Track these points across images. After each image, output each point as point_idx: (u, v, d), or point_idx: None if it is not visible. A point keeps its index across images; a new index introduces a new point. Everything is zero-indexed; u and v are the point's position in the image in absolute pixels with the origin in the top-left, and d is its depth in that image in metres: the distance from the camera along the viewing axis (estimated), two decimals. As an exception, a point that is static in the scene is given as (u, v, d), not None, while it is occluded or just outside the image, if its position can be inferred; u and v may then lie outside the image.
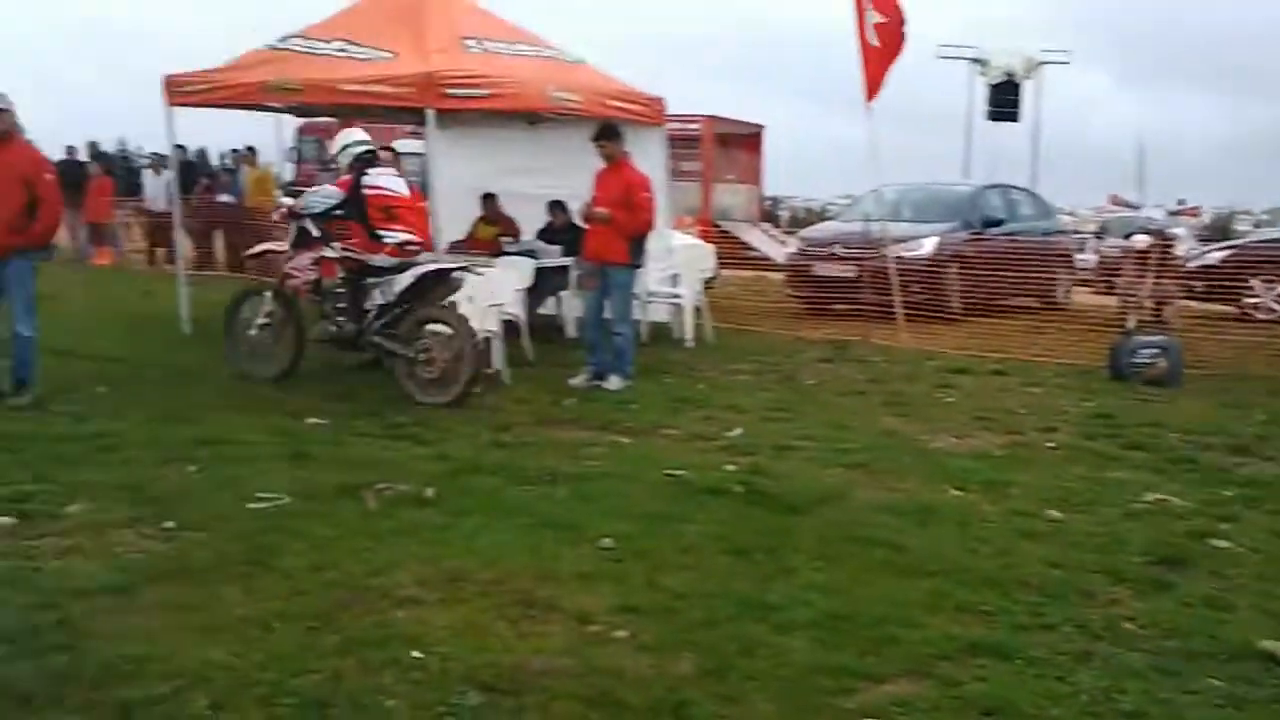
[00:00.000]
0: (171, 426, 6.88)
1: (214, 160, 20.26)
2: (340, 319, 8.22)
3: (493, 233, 10.95)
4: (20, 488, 5.53)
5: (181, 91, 9.90)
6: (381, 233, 8.08)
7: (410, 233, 8.23)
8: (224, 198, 16.47)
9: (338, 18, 10.23)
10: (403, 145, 12.79)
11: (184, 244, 12.42)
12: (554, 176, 10.91)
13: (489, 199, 11.18)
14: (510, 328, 9.26)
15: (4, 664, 3.54)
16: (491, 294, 8.81)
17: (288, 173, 25.49)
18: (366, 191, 8.11)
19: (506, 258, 10.18)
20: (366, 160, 8.29)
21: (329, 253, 8.25)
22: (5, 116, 7.33)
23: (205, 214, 16.24)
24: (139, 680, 3.47)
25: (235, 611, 4.02)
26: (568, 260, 10.38)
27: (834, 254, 13.72)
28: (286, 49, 9.89)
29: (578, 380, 8.72)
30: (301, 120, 23.67)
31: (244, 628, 3.88)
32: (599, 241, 8.64)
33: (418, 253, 8.21)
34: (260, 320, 8.46)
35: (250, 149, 17.29)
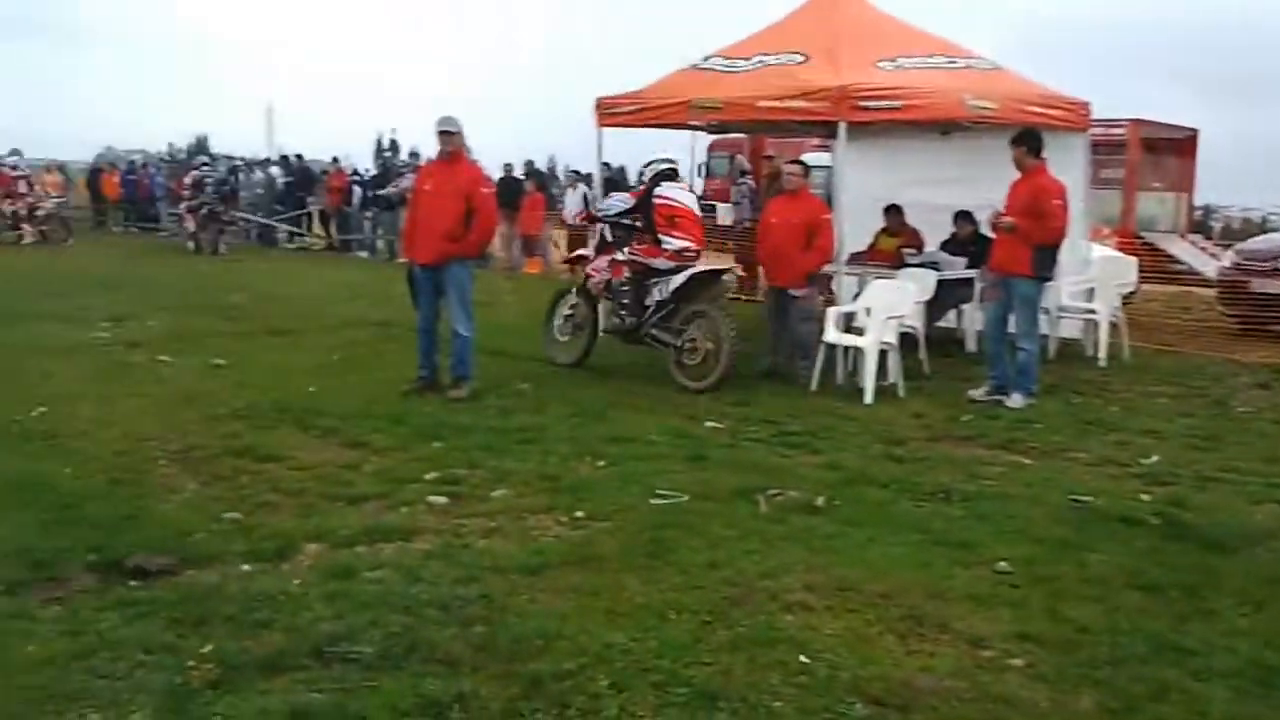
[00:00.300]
0: (585, 423, 7.37)
1: (631, 178, 21.43)
2: (624, 314, 9.22)
3: (894, 244, 10.79)
4: (454, 471, 6.14)
5: (611, 113, 10.54)
6: (664, 238, 8.89)
7: (688, 240, 8.91)
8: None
9: (754, 38, 10.54)
10: (811, 158, 12.92)
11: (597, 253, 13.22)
12: (962, 187, 10.59)
13: (893, 211, 11.03)
14: (908, 340, 9.09)
15: (436, 629, 3.93)
16: (890, 306, 8.70)
17: (698, 188, 26.58)
18: (656, 200, 9.02)
19: (908, 269, 10.02)
20: (665, 175, 9.25)
21: (619, 256, 9.21)
22: (454, 138, 8.22)
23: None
24: (548, 655, 3.74)
25: (635, 599, 4.24)
26: (971, 272, 10.05)
27: (1276, 269, 12.31)
28: (708, 69, 10.30)
29: (977, 395, 8.40)
30: (713, 137, 24.65)
31: (642, 615, 4.08)
32: (1004, 251, 8.28)
33: (694, 258, 8.94)
34: (565, 313, 9.74)
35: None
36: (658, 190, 9.10)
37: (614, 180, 18.03)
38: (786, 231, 8.94)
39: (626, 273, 9.14)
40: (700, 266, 8.90)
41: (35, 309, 12.30)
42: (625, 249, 9.23)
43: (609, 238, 9.48)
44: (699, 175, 29.12)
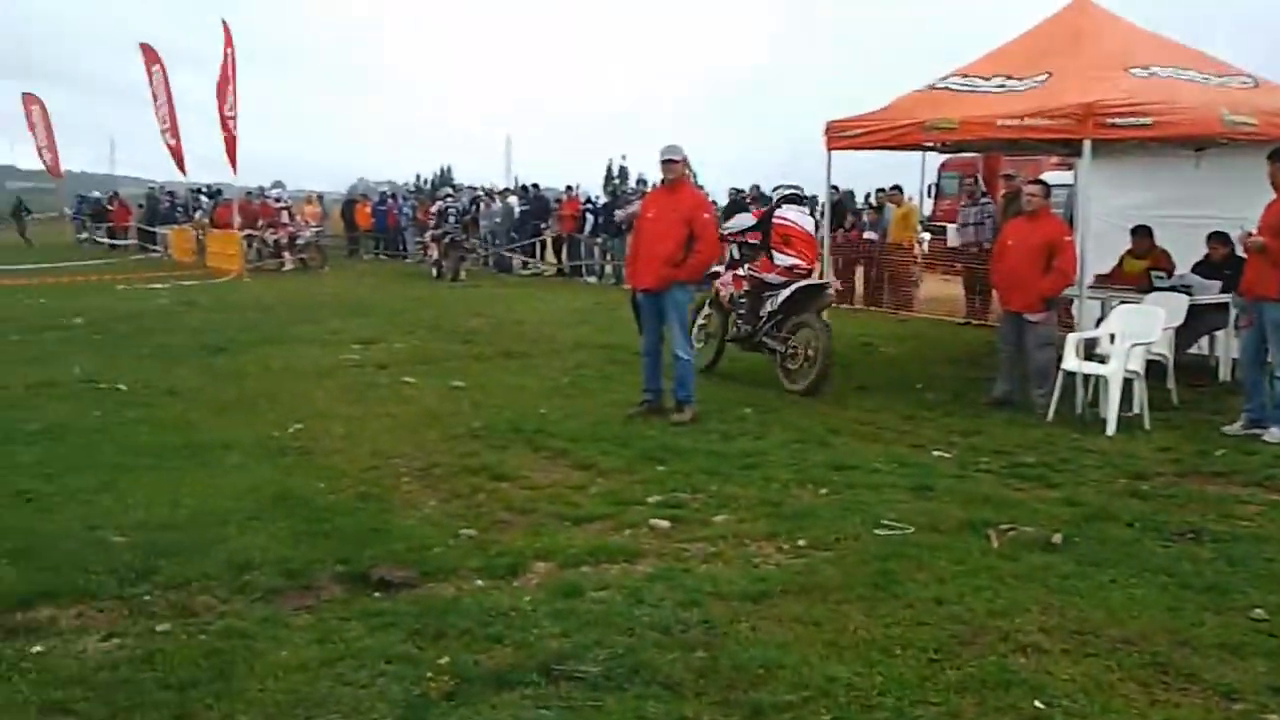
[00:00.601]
0: (808, 449, 7.31)
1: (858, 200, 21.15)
2: (742, 323, 10.10)
3: (1141, 267, 10.19)
4: (677, 495, 6.22)
5: (841, 136, 10.43)
6: (776, 255, 9.76)
7: (800, 259, 9.82)
8: (869, 235, 17.15)
9: (995, 55, 10.24)
10: (1053, 177, 12.43)
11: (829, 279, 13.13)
12: (1217, 206, 9.92)
13: (1140, 232, 10.42)
14: (1155, 368, 8.57)
15: (658, 652, 3.98)
16: (1137, 332, 8.23)
17: (927, 209, 25.97)
18: (775, 220, 9.94)
19: (1156, 293, 9.45)
20: (790, 199, 10.19)
21: (740, 271, 10.17)
22: (676, 166, 8.39)
23: (848, 250, 17.03)
24: (769, 685, 3.72)
25: (859, 632, 4.17)
26: (1226, 297, 9.37)
27: None
28: (944, 88, 10.08)
29: (1232, 429, 7.83)
30: (943, 157, 24.04)
31: (867, 649, 4.01)
32: (1254, 273, 7.69)
33: (805, 275, 9.85)
34: (699, 323, 10.53)
35: (897, 187, 17.85)
36: (779, 212, 10.01)
37: (840, 202, 17.84)
38: (1024, 254, 8.61)
39: (745, 286, 10.07)
40: (804, 282, 9.75)
41: (293, 332, 13.27)
42: (746, 265, 10.19)
43: (736, 255, 10.39)
44: (928, 196, 28.37)
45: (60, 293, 19.19)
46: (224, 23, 24.26)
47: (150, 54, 28.27)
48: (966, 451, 7.34)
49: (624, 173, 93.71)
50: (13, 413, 8.32)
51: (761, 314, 9.87)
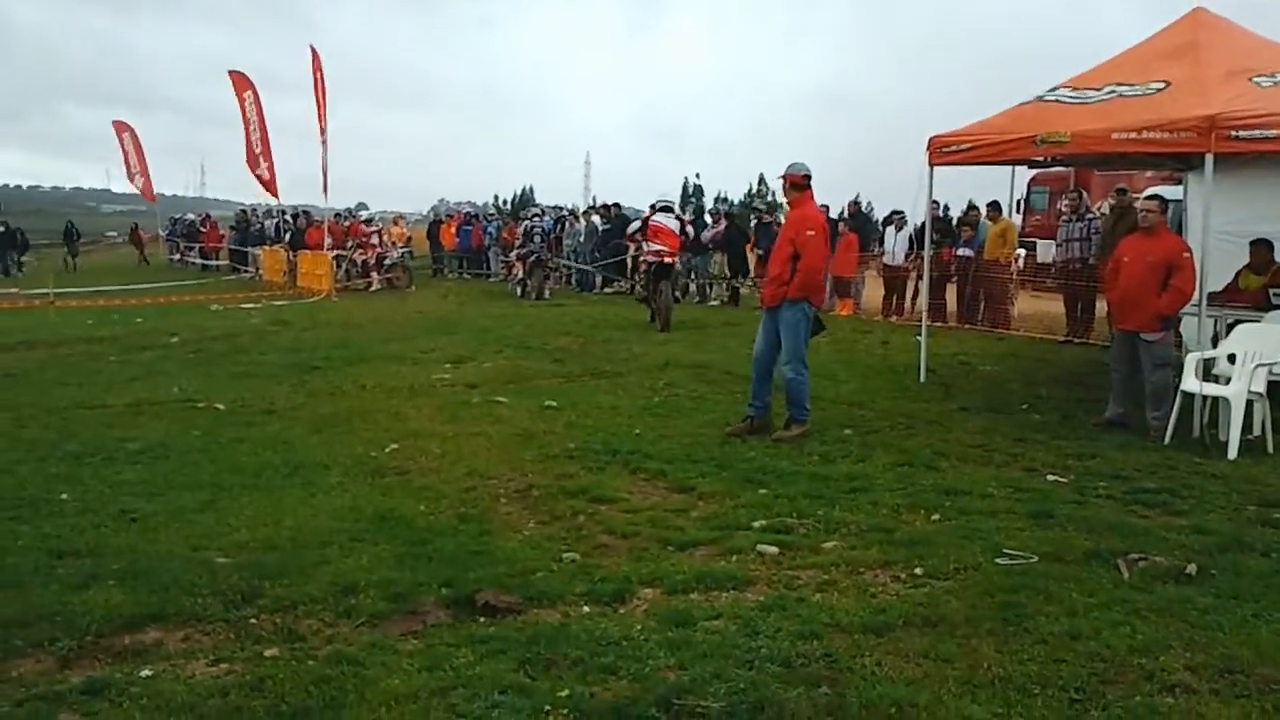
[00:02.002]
0: (915, 473, 7.06)
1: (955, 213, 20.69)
2: (639, 285, 17.35)
3: (1259, 283, 9.74)
4: (783, 520, 6.02)
5: (944, 152, 10.17)
6: (647, 244, 16.72)
7: (663, 246, 16.37)
8: (963, 251, 16.76)
9: (1106, 66, 9.92)
10: (1169, 191, 12.02)
11: (926, 297, 12.84)
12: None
13: (1259, 245, 9.96)
14: (1274, 389, 8.15)
15: (780, 687, 3.79)
16: (1259, 351, 7.84)
17: (1016, 223, 25.34)
18: (650, 223, 16.74)
19: (1277, 312, 9.01)
20: (662, 209, 17.12)
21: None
22: (783, 183, 8.30)
23: (942, 267, 16.67)
24: (902, 725, 3.52)
25: (993, 669, 3.93)
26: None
27: None
28: (1054, 100, 9.76)
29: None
30: (1033, 171, 23.49)
31: (1003, 688, 3.78)
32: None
33: (664, 256, 16.30)
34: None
35: (994, 203, 17.45)
36: (653, 218, 16.83)
37: (936, 219, 17.48)
38: (1141, 271, 8.26)
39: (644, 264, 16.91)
40: (659, 260, 16.31)
41: (384, 351, 13.34)
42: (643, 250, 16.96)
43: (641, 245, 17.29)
44: (1017, 211, 27.76)
45: (156, 313, 19.60)
46: (312, 49, 24.72)
47: (240, 81, 28.89)
48: (1083, 476, 7.03)
49: (699, 191, 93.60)
50: (114, 431, 8.42)
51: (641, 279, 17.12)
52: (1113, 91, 9.21)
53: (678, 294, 18.42)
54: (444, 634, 4.41)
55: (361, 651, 4.17)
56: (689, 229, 19.46)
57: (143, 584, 4.88)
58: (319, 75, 24.30)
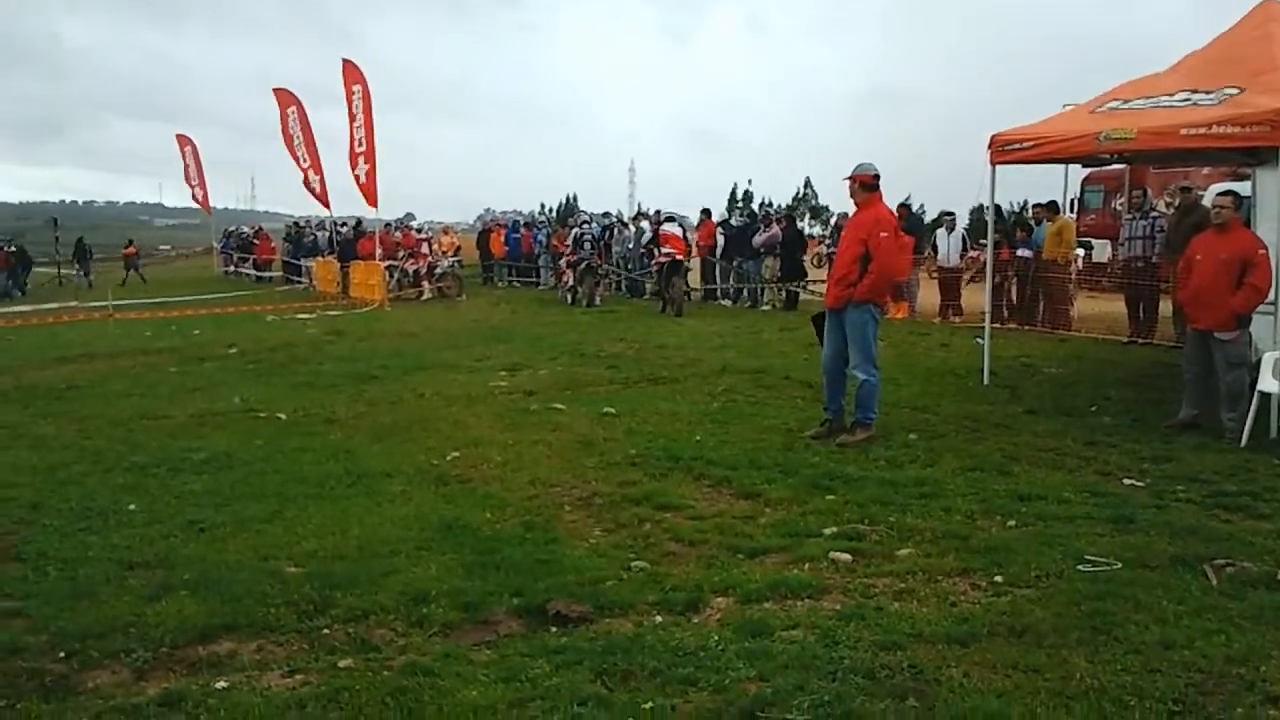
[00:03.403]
0: (986, 478, 6.91)
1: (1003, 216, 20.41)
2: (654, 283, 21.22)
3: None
4: (854, 526, 5.91)
5: (1007, 150, 10.01)
6: (660, 249, 20.81)
7: (673, 250, 20.15)
8: (1023, 252, 16.49)
9: (1178, 69, 9.72)
10: (1244, 187, 11.74)
11: (983, 299, 12.62)
12: None
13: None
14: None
15: (866, 700, 3.69)
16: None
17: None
18: (661, 230, 21.22)
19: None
20: (668, 219, 21.81)
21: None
22: (851, 184, 8.20)
23: (1000, 268, 16.42)
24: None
25: (1085, 680, 3.80)
26: None
27: None
28: (1126, 109, 9.55)
29: None
30: (1087, 170, 23.11)
31: (1098, 700, 3.64)
32: None
33: (672, 258, 20.05)
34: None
35: (1052, 203, 17.17)
36: (663, 227, 21.20)
37: (1004, 219, 17.23)
38: (1215, 269, 8.06)
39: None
40: (668, 260, 20.05)
41: (439, 359, 13.37)
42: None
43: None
44: (1071, 210, 27.35)
45: (212, 324, 19.82)
46: (344, 63, 24.91)
47: (285, 97, 29.20)
48: (1160, 480, 6.85)
49: (748, 196, 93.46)
50: (179, 442, 8.47)
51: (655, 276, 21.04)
52: (1187, 99, 8.97)
53: (687, 291, 21.09)
54: (517, 644, 4.36)
55: (436, 662, 4.12)
56: (689, 235, 23.18)
57: (214, 594, 4.87)
58: (353, 89, 24.49)
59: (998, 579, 4.98)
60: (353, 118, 24.40)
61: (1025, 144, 9.69)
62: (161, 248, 71.98)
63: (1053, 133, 9.61)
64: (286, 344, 15.77)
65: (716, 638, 4.31)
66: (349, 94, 24.65)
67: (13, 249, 35.95)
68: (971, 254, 20.07)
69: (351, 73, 24.78)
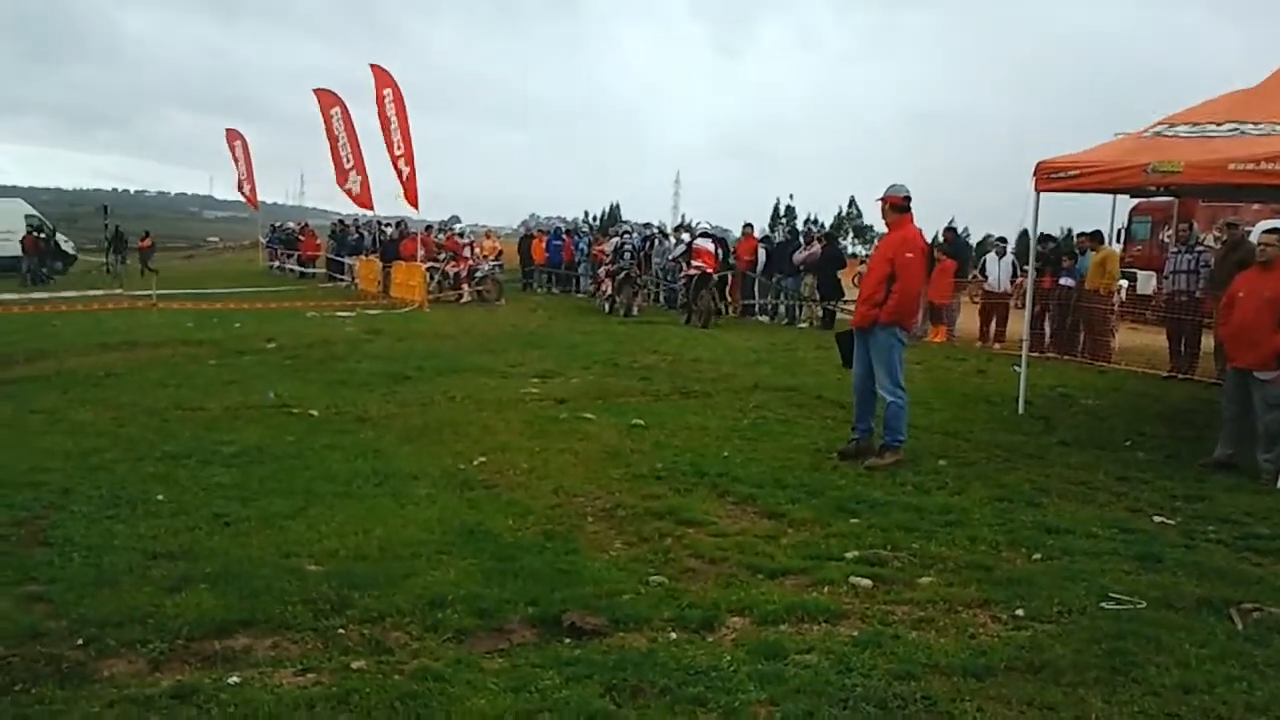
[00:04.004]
0: (1014, 508, 6.83)
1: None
2: (683, 294, 21.36)
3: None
4: (876, 552, 5.86)
5: (1052, 178, 9.88)
6: (691, 263, 21.12)
7: (703, 264, 20.56)
8: (1065, 281, 16.32)
9: (1229, 99, 9.58)
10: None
11: (1026, 326, 12.48)
12: None
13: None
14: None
15: (876, 727, 3.65)
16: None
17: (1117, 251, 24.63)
18: (694, 245, 21.45)
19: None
20: (703, 234, 22.74)
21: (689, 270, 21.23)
22: (882, 205, 8.17)
23: (1041, 296, 16.27)
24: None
25: (1100, 721, 3.74)
26: None
27: None
28: (1171, 135, 9.43)
29: None
30: (1135, 200, 22.84)
31: (1113, 743, 3.59)
32: None
33: (702, 271, 20.39)
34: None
35: (1096, 232, 17.00)
36: (696, 242, 21.62)
37: (1050, 246, 17.10)
38: (1257, 307, 7.93)
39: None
40: (697, 274, 20.48)
41: (474, 363, 13.42)
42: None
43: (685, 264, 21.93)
44: (1117, 240, 27.03)
45: (254, 317, 20.03)
46: (373, 68, 25.09)
47: (327, 98, 29.49)
48: (1191, 519, 6.74)
49: (791, 211, 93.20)
50: (212, 434, 8.57)
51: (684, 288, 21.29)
52: (1235, 129, 8.85)
53: (717, 305, 21.21)
54: (530, 653, 4.36)
55: (447, 668, 4.13)
56: (720, 250, 22.20)
57: (233, 589, 4.91)
58: (384, 93, 24.67)
59: (1019, 612, 4.92)
60: (387, 122, 24.60)
61: (1071, 172, 9.57)
62: (210, 239, 73.05)
63: (1099, 162, 9.49)
64: (324, 341, 15.91)
65: (729, 658, 4.29)
66: (379, 98, 24.86)
67: (41, 235, 35.71)
68: (1019, 280, 19.89)
69: (382, 78, 24.97)
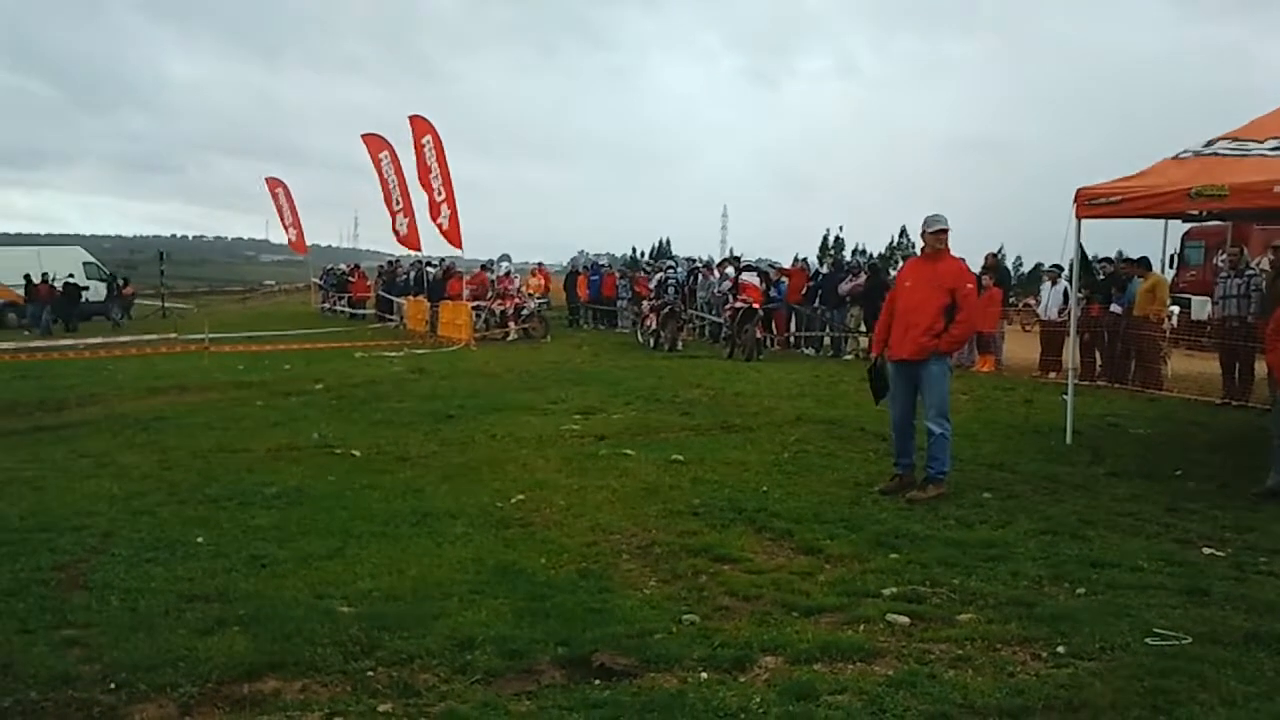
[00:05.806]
0: (1058, 542, 6.68)
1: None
2: (727, 327, 21.89)
3: None
4: (915, 588, 5.75)
5: (1092, 204, 9.75)
6: (736, 297, 21.06)
7: (749, 297, 20.59)
8: (1114, 308, 16.07)
9: (1270, 116, 9.42)
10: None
11: (1073, 355, 12.30)
12: None
13: None
14: None
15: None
16: None
17: (1167, 277, 24.22)
18: (740, 280, 21.33)
19: None
20: (746, 268, 22.30)
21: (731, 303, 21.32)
22: (943, 236, 8.10)
23: (1090, 324, 16.03)
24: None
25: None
26: None
27: None
28: (1211, 153, 9.29)
29: None
30: (1188, 225, 22.47)
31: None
32: None
33: (748, 305, 20.44)
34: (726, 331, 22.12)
35: (1143, 259, 16.76)
36: (741, 276, 21.48)
37: (1099, 274, 16.86)
38: (1306, 331, 7.75)
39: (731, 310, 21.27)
40: (744, 307, 20.40)
41: (516, 400, 13.47)
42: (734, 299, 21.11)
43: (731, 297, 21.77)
44: (1170, 266, 26.58)
45: (304, 359, 20.28)
46: (411, 119, 25.52)
47: (375, 143, 29.99)
48: (1242, 550, 6.55)
49: (840, 243, 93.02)
50: (253, 476, 8.66)
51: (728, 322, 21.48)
52: (1275, 144, 8.69)
53: (761, 339, 21.16)
54: (557, 695, 4.32)
55: (474, 710, 4.11)
56: (764, 283, 22.30)
57: (265, 631, 4.93)
58: (423, 141, 25.05)
59: (1060, 649, 4.80)
60: (427, 170, 24.98)
61: (1112, 199, 9.44)
62: (267, 282, 74.21)
63: (1141, 188, 9.34)
64: (370, 380, 16.06)
65: (760, 699, 4.23)
66: (418, 147, 25.26)
67: (56, 285, 33.58)
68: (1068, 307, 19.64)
69: (420, 126, 25.40)
